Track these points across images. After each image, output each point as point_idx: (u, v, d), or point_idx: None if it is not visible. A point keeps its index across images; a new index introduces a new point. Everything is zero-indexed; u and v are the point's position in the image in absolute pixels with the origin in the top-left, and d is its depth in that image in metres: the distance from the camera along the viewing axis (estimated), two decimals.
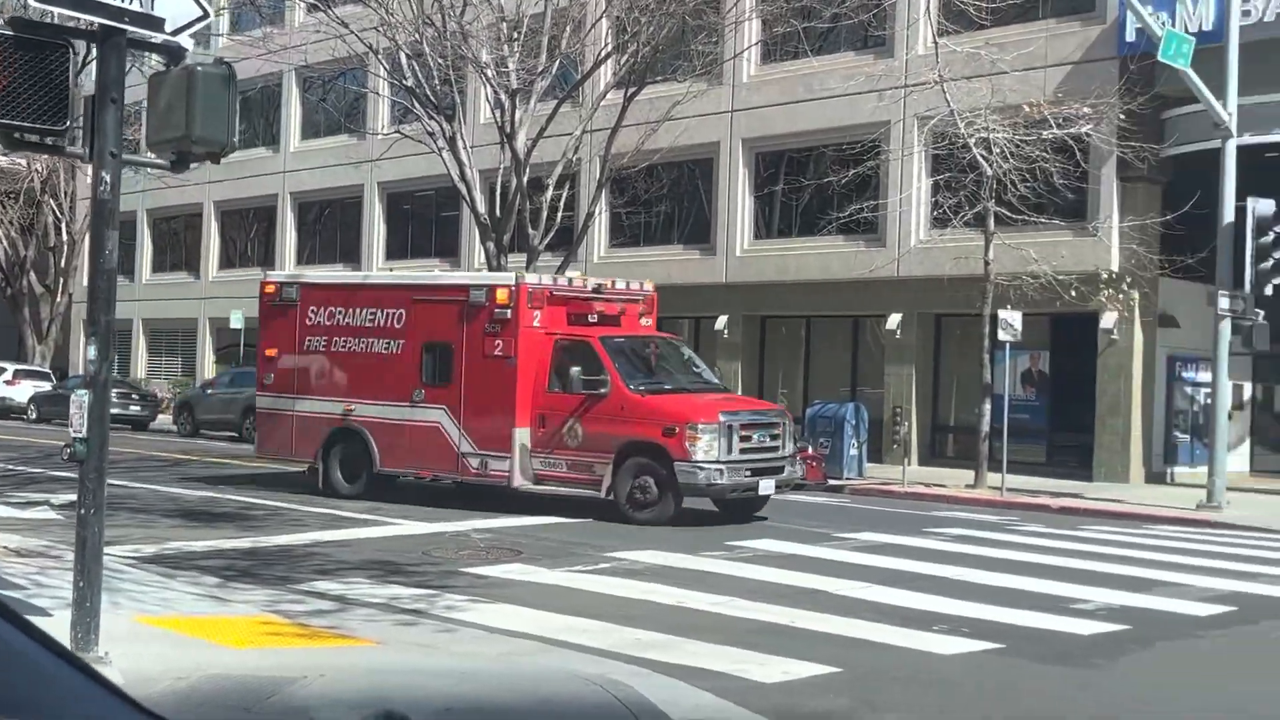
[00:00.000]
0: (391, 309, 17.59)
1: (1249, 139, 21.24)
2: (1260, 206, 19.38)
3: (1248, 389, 27.15)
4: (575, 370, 15.88)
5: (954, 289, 24.82)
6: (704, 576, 11.67)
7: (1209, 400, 21.37)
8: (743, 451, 15.71)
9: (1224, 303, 19.38)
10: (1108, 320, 24.30)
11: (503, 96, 25.12)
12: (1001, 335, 21.90)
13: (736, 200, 30.48)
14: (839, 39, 28.79)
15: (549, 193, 25.91)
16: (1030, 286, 22.62)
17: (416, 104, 26.52)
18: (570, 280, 17.74)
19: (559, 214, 26.33)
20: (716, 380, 18.82)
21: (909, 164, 26.32)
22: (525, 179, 25.18)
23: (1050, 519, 18.48)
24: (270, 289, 19.12)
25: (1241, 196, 19.53)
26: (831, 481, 22.76)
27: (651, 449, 15.50)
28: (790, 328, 30.88)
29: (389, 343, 17.55)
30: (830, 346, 30.27)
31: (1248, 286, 19.31)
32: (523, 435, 16.32)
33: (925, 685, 7.83)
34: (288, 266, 41.86)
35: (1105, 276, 24.12)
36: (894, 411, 26.94)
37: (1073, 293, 22.99)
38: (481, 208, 26.12)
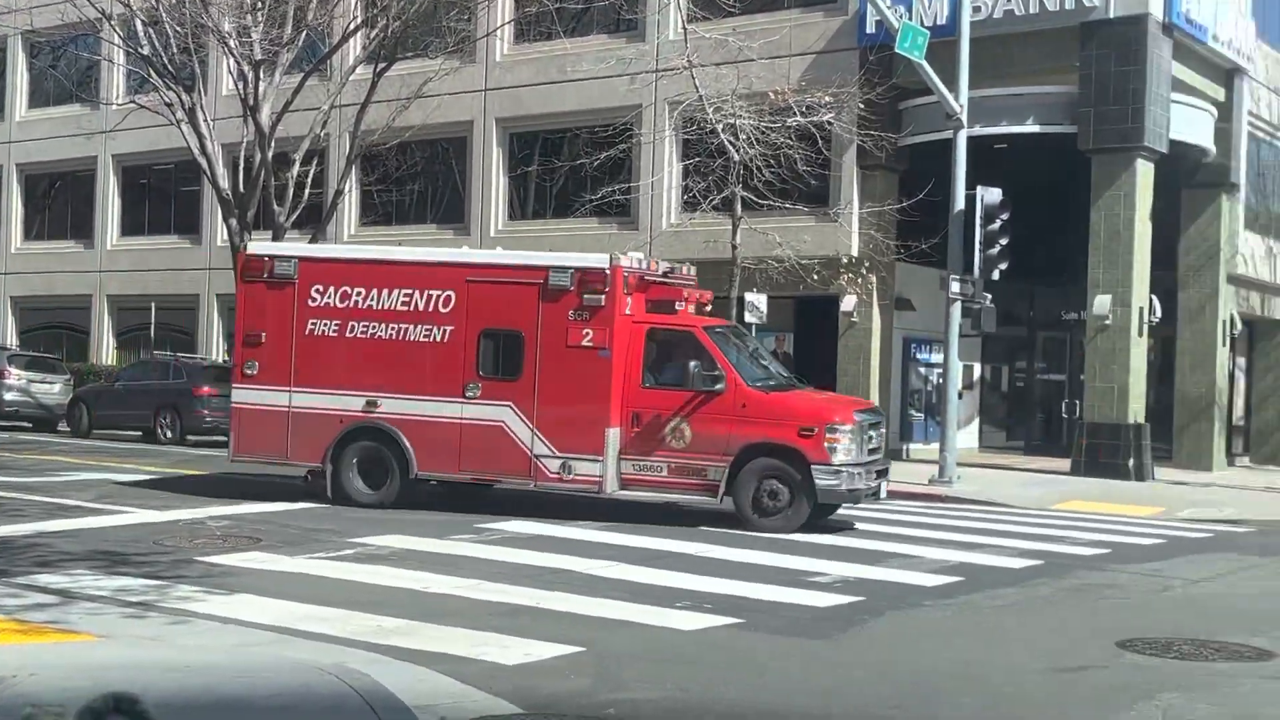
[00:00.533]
0: (435, 290, 15.18)
1: (979, 130, 22.33)
2: (988, 195, 20.34)
3: (977, 369, 28.60)
4: (694, 365, 14.41)
5: (704, 272, 24.89)
6: (451, 560, 11.53)
7: (941, 380, 22.37)
8: (868, 453, 14.73)
9: (955, 287, 20.28)
10: (848, 303, 25.17)
11: (245, 68, 24.26)
12: (748, 317, 22.44)
13: (491, 180, 30.28)
14: (592, 21, 28.91)
15: (296, 168, 25.19)
16: (775, 270, 23.24)
17: (153, 73, 25.38)
18: (646, 263, 15.61)
19: (306, 190, 25.61)
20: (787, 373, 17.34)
21: (660, 148, 26.65)
22: (270, 154, 24.40)
23: None
24: (255, 263, 16.03)
25: (972, 185, 20.46)
26: None
27: (783, 451, 14.19)
28: None
29: (431, 329, 15.16)
30: None
31: (977, 271, 20.25)
32: (614, 436, 14.62)
33: (666, 662, 7.91)
34: (14, 242, 39.53)
35: (845, 261, 24.98)
36: None
37: (815, 276, 23.76)
38: (224, 183, 25.19)
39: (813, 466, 14.08)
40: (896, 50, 20.09)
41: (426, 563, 11.27)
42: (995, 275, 20.63)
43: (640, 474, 14.64)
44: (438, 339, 15.15)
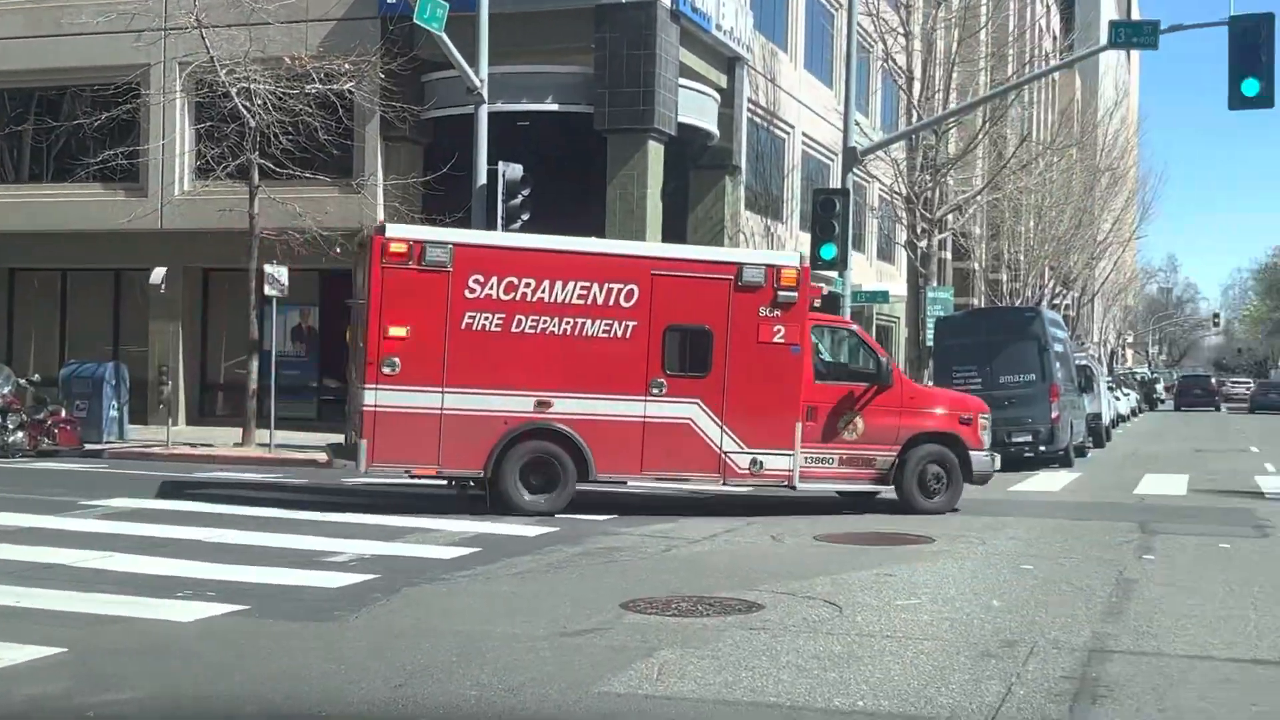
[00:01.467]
0: (617, 284, 14.39)
1: (501, 106, 22.56)
2: (510, 171, 20.58)
3: None
4: (884, 360, 15.66)
5: (220, 242, 24.15)
6: None
7: None
8: None
9: None
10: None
11: None
12: (268, 290, 21.66)
13: None
14: None
15: None
16: (297, 242, 22.51)
17: None
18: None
19: None
20: None
21: (170, 110, 25.26)
22: None
23: (318, 473, 18.61)
24: (399, 248, 14.04)
25: (496, 160, 20.63)
26: (89, 446, 21.44)
27: (946, 439, 15.59)
28: (44, 281, 28.69)
29: (611, 324, 14.36)
30: (90, 302, 28.45)
31: None
32: (799, 430, 14.93)
33: (160, 657, 7.40)
34: None
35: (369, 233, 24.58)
36: (159, 370, 25.83)
37: (338, 249, 23.18)
38: None
39: (971, 452, 15.67)
40: (415, 21, 19.89)
41: None
42: None
43: (813, 466, 15.18)
44: (619, 334, 14.47)
